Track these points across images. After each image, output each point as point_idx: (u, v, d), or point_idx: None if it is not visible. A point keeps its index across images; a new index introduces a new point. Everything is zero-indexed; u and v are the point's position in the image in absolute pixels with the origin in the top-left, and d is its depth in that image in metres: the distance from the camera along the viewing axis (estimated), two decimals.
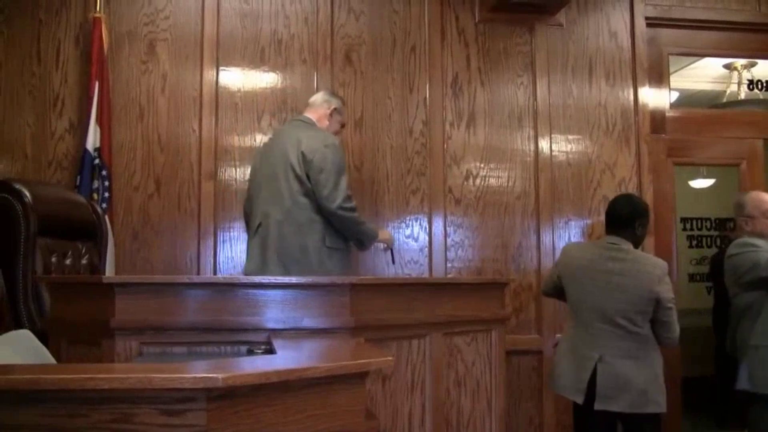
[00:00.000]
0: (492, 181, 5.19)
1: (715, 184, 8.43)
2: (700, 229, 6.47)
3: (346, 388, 2.02)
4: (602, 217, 5.27)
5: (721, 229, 6.49)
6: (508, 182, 5.23)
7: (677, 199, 5.85)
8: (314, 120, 4.38)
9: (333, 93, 4.59)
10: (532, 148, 5.30)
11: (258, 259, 4.20)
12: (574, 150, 5.37)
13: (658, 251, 5.39)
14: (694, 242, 6.48)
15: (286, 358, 2.23)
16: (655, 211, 5.43)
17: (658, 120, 5.64)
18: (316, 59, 5.04)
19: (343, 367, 2.03)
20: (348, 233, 4.20)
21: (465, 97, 5.23)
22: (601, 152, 5.41)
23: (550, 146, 5.32)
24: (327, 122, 4.39)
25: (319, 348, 2.55)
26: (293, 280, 3.06)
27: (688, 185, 8.45)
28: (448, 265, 5.06)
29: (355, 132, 5.04)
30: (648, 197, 5.40)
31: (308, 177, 4.11)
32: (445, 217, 5.09)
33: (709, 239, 6.53)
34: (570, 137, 5.38)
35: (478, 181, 5.17)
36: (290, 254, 4.11)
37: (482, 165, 5.21)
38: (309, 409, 1.91)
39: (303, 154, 4.13)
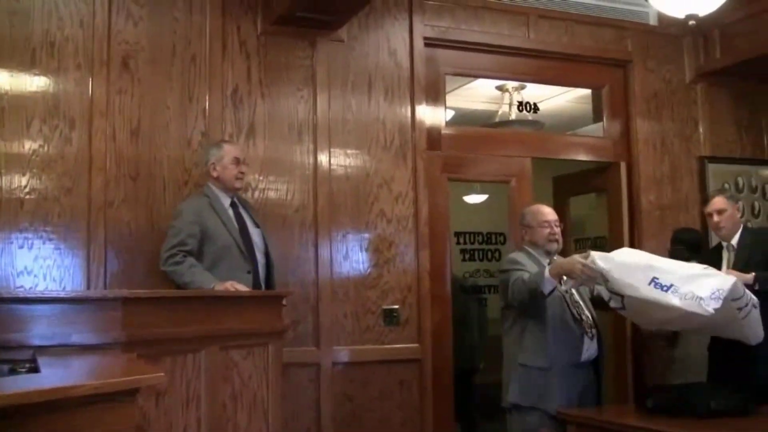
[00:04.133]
0: (271, 193, 5.21)
1: (487, 199, 8.86)
2: (472, 243, 6.79)
3: (115, 406, 2.00)
4: (379, 231, 5.47)
5: (488, 243, 6.86)
6: (287, 195, 5.25)
7: (451, 213, 6.09)
8: (208, 182, 4.72)
9: (210, 145, 4.87)
10: (311, 161, 5.37)
11: None
12: (352, 164, 5.49)
13: (433, 264, 5.62)
14: (467, 255, 6.78)
15: (50, 377, 2.17)
16: (429, 225, 5.66)
17: (434, 137, 5.85)
18: (92, 64, 4.88)
19: (111, 384, 2.00)
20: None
21: (245, 108, 5.23)
22: (379, 167, 5.55)
23: (329, 160, 5.40)
24: (216, 175, 4.67)
25: (88, 365, 2.50)
26: (61, 294, 3.01)
27: (463, 200, 8.84)
28: None
29: (131, 141, 4.92)
30: (423, 212, 5.60)
31: None
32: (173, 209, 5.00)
33: (480, 252, 6.87)
34: (349, 151, 5.48)
35: (257, 193, 5.17)
36: None
37: (261, 177, 5.22)
38: (77, 428, 1.88)
39: None
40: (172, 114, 5.05)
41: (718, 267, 4.69)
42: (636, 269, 4.03)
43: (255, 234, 4.70)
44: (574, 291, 4.58)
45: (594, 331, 4.53)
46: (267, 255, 4.73)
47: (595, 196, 7.13)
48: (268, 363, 3.79)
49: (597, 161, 6.60)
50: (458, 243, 6.70)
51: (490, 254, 6.82)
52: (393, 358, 5.44)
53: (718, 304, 3.84)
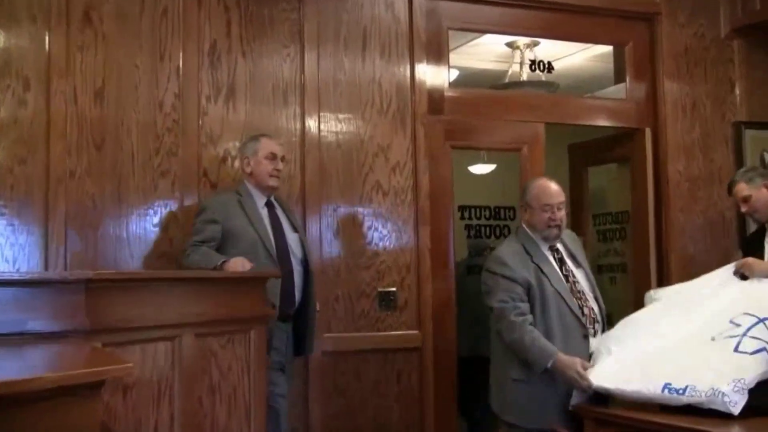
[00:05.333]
0: None
1: (496, 170, 8.84)
2: (478, 218, 6.77)
3: (78, 401, 2.00)
4: (375, 205, 5.45)
5: (496, 219, 6.86)
6: None
7: (455, 185, 6.07)
8: (244, 178, 4.85)
9: (248, 138, 4.93)
10: (299, 127, 5.34)
11: None
12: (344, 130, 5.46)
13: (434, 243, 5.62)
14: (473, 232, 6.76)
15: (3, 369, 2.16)
16: (431, 198, 5.64)
17: (436, 100, 5.82)
18: (49, 17, 4.82)
19: (73, 377, 2.00)
20: None
21: (224, 68, 5.20)
22: (374, 133, 5.53)
23: (319, 125, 5.38)
24: (249, 171, 4.80)
25: (46, 355, 2.49)
26: (15, 275, 2.99)
27: (468, 171, 8.82)
28: None
29: (95, 104, 4.88)
30: (424, 184, 5.59)
31: None
32: (200, 203, 5.01)
33: (487, 229, 6.85)
34: (340, 116, 5.46)
35: (237, 163, 5.11)
36: None
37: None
38: (34, 427, 1.87)
39: None
40: (141, 74, 5.02)
41: (761, 252, 4.72)
42: (646, 380, 4.03)
43: (292, 239, 4.80)
44: (579, 278, 4.57)
45: (599, 326, 4.50)
46: (305, 263, 4.80)
47: (616, 167, 7.12)
48: (250, 352, 3.79)
49: (619, 127, 6.59)
50: (462, 218, 6.68)
51: (498, 231, 6.80)
52: (390, 346, 5.44)
53: (743, 398, 3.82)
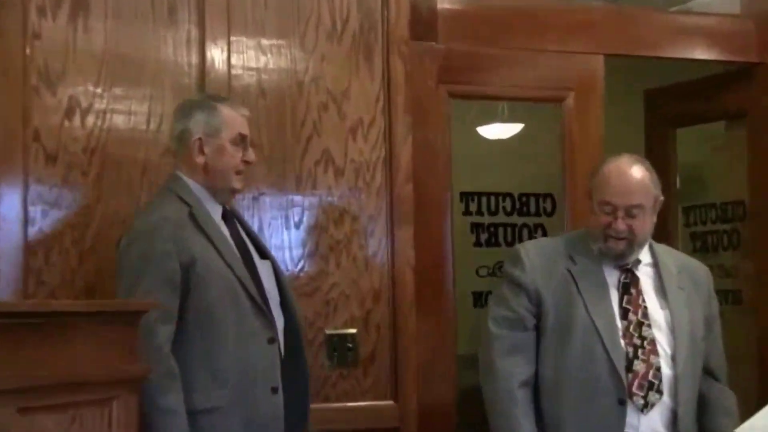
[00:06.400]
0: (119, 119, 5.16)
1: (522, 132, 8.84)
2: (493, 213, 6.75)
3: None
4: (322, 191, 5.47)
5: (523, 214, 6.84)
6: (148, 123, 5.20)
7: (457, 159, 6.03)
8: (181, 174, 4.68)
9: (191, 105, 4.77)
10: (195, 60, 5.32)
11: None
12: (272, 66, 5.46)
13: (420, 254, 5.61)
14: (484, 235, 6.75)
15: None
16: (416, 180, 5.63)
17: (424, 17, 5.84)
18: None
19: None
20: None
21: None
22: (321, 72, 5.53)
23: (228, 58, 5.37)
24: (202, 162, 4.63)
25: None
26: None
27: (477, 134, 8.81)
28: (32, 279, 4.99)
29: None
30: (403, 156, 5.58)
31: None
32: (27, 186, 4.99)
33: (508, 230, 6.83)
34: (265, 42, 5.46)
35: (91, 118, 5.11)
36: None
37: (100, 90, 5.16)
38: None
39: None
40: None
41: None
42: None
43: (263, 271, 4.73)
44: (657, 321, 4.57)
45: (660, 398, 4.50)
46: (285, 307, 4.75)
47: (723, 127, 7.14)
48: None
49: (727, 61, 6.61)
50: (468, 213, 6.67)
51: (526, 233, 6.80)
52: (349, 425, 5.45)
53: None
